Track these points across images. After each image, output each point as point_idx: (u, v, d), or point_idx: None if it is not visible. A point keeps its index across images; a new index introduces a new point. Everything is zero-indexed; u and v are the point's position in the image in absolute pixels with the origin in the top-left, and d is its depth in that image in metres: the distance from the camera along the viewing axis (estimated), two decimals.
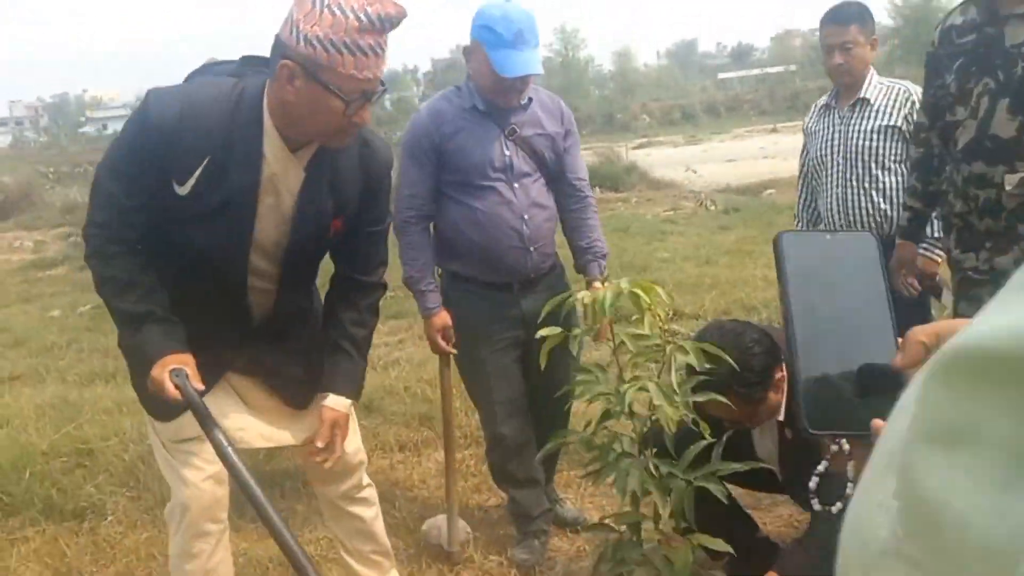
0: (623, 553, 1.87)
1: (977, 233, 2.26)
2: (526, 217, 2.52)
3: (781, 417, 2.14)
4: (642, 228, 9.40)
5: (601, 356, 3.60)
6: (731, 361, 1.82)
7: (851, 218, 2.90)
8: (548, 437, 2.08)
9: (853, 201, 2.90)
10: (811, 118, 3.13)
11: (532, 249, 2.54)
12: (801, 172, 3.19)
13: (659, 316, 1.78)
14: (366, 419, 3.83)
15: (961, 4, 2.32)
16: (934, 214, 2.55)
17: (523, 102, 2.51)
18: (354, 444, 2.21)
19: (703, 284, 6.11)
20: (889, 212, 2.84)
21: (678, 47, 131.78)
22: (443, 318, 2.58)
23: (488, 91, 2.45)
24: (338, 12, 1.58)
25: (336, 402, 1.96)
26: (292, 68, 1.61)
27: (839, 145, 2.93)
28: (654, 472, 1.82)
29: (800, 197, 3.21)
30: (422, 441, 3.74)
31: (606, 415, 1.88)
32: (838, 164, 2.93)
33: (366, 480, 2.30)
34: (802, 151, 3.18)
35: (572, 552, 2.80)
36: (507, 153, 2.49)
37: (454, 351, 2.61)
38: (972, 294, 2.26)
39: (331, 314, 2.00)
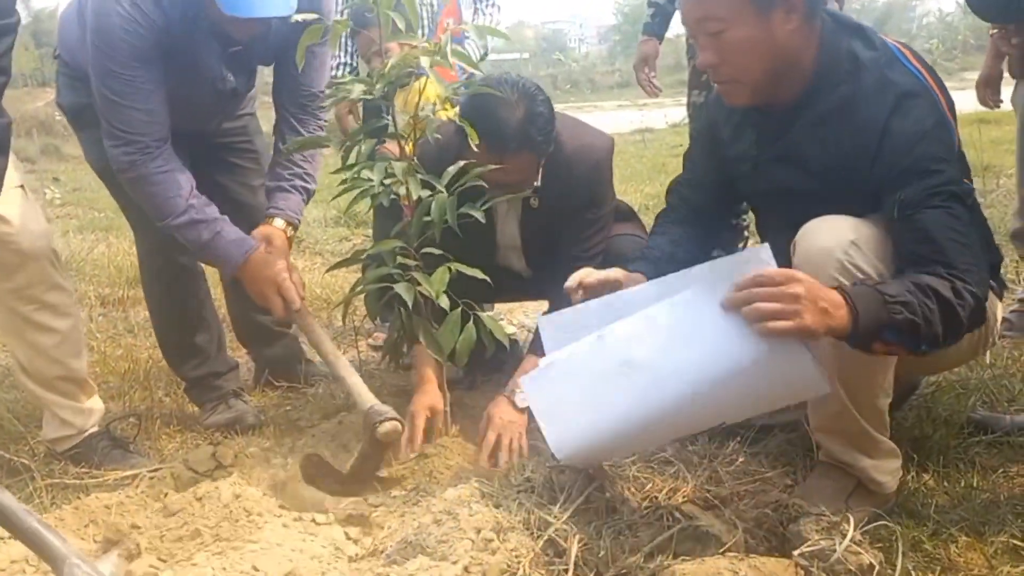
0: (381, 272, 1.79)
1: None
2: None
3: (539, 181, 2.07)
4: None
5: None
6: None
7: None
8: None
9: None
10: None
11: None
12: None
13: None
14: None
15: None
16: None
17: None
18: (35, 223, 1.84)
19: None
20: None
21: None
22: (260, 260, 1.99)
23: (215, 18, 1.90)
24: None
25: None
26: None
27: None
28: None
29: None
30: (129, 298, 3.34)
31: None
32: None
33: (58, 279, 1.91)
34: None
35: None
36: (229, 78, 2.08)
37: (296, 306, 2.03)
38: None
39: None
